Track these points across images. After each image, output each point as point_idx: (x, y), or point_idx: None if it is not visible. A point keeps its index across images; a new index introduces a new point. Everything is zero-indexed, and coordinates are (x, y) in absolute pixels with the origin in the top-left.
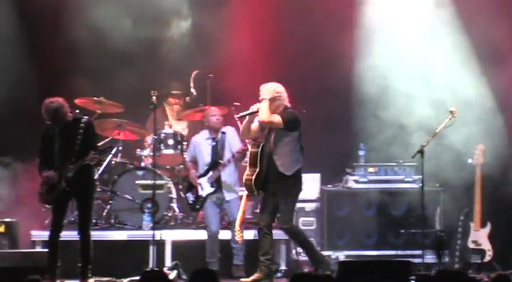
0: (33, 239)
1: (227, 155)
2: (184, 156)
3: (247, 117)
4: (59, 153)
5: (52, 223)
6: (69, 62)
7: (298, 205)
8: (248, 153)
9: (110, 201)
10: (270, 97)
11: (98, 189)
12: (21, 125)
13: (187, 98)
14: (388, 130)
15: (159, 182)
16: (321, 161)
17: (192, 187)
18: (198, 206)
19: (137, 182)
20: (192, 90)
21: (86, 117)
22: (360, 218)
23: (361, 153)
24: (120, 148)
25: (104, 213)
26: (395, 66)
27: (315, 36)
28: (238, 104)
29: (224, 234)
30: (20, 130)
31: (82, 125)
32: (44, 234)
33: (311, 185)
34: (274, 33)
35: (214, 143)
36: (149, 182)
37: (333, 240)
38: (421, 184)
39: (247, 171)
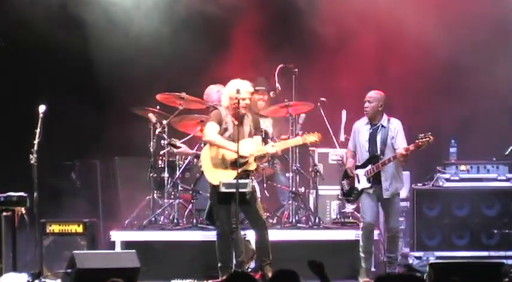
0: (112, 239)
1: (388, 151)
2: None
3: None
4: None
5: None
6: None
7: None
8: None
9: (192, 201)
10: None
11: (180, 188)
12: None
13: (272, 93)
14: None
15: (242, 180)
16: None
17: (348, 176)
18: (351, 198)
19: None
20: (277, 85)
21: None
22: (451, 217)
23: (452, 150)
24: (203, 145)
25: (186, 213)
26: None
27: None
28: (324, 99)
29: None
30: None
31: None
32: (123, 235)
33: None
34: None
35: (371, 131)
36: (232, 180)
37: (423, 241)
38: None
39: None
